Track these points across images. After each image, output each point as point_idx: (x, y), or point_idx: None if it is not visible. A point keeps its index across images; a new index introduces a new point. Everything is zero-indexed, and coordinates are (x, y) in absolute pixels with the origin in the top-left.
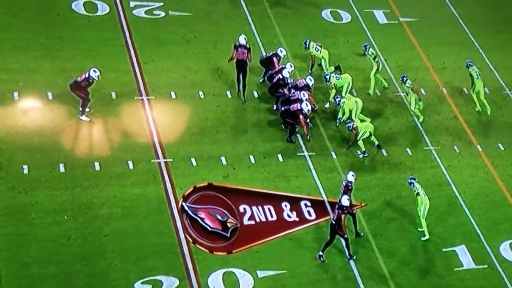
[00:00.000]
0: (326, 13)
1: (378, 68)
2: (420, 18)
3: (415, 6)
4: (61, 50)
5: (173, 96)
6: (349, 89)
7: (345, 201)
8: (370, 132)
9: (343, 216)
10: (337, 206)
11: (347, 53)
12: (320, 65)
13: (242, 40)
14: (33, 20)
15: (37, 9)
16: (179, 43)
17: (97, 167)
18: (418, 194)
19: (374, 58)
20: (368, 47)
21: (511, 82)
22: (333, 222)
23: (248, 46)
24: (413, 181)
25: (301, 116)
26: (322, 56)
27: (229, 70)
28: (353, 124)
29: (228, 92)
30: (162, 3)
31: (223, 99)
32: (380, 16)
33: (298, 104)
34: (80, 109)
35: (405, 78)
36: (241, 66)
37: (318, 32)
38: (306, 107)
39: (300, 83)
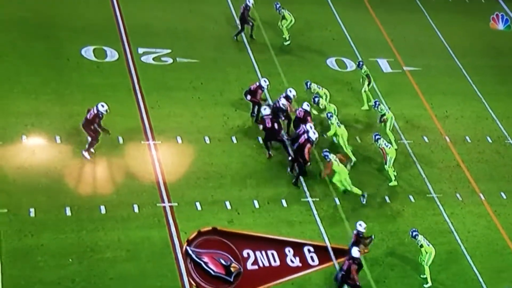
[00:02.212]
0: (331, 61)
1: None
2: (424, 68)
3: (419, 56)
4: (70, 94)
5: (179, 141)
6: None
7: (355, 253)
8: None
9: (353, 266)
10: (347, 257)
11: (351, 100)
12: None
13: (262, 80)
14: (44, 65)
15: (48, 54)
16: (186, 89)
17: (103, 210)
18: (421, 246)
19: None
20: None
21: None
22: (343, 273)
23: (263, 88)
24: (415, 233)
25: (308, 145)
26: (324, 93)
27: (234, 116)
28: (328, 158)
29: (233, 138)
30: (170, 50)
31: (228, 144)
32: (384, 64)
33: (305, 135)
34: (87, 146)
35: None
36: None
37: (323, 79)
38: (314, 135)
39: (299, 113)
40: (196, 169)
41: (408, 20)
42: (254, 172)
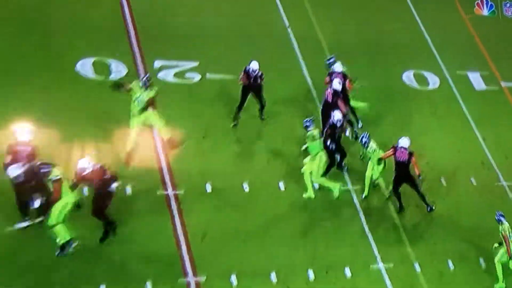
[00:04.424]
0: (408, 76)
1: None
2: None
3: None
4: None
5: (208, 189)
6: None
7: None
8: None
9: None
10: None
11: (433, 126)
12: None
13: (336, 85)
14: (23, 82)
15: (30, 69)
16: (217, 115)
17: None
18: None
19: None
20: None
21: None
22: None
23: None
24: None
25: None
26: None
27: (282, 153)
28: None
29: (280, 184)
30: (197, 63)
31: (274, 193)
32: (476, 80)
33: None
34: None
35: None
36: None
37: (396, 98)
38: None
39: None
40: (231, 227)
41: None
42: (308, 228)
